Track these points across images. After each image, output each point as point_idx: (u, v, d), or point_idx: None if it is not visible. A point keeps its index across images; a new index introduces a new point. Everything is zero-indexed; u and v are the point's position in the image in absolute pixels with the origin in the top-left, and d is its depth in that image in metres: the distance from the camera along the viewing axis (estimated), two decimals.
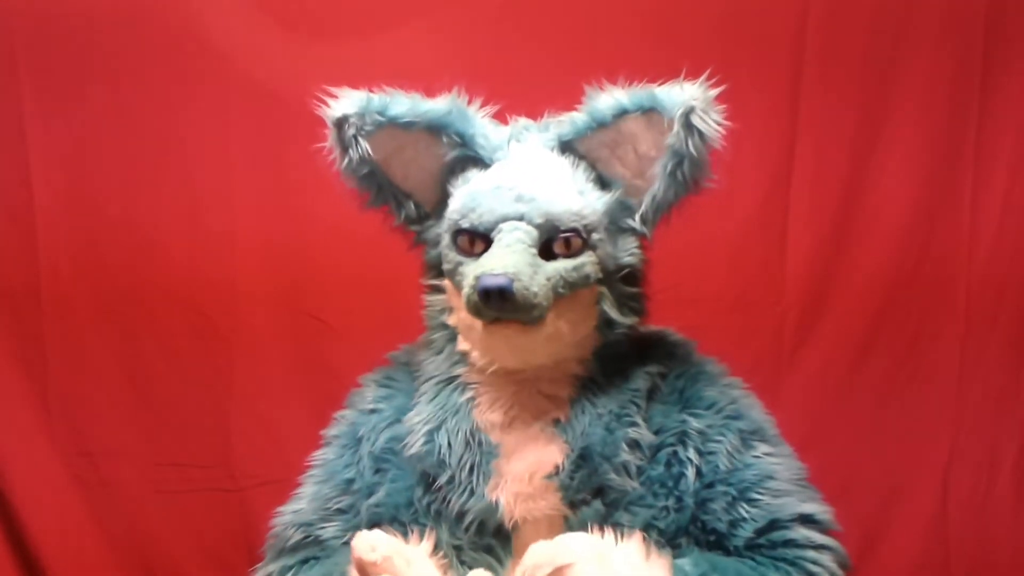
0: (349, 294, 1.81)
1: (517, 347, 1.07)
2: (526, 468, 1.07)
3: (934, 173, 1.77)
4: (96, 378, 1.82)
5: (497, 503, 1.07)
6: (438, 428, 1.10)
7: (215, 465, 1.84)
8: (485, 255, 1.05)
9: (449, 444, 1.09)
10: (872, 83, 1.76)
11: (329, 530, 1.16)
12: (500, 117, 1.19)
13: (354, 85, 1.12)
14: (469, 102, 1.15)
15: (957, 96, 1.75)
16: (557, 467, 1.07)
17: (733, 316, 1.79)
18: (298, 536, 1.17)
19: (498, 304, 1.01)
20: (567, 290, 1.06)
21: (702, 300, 1.74)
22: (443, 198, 1.14)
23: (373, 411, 1.20)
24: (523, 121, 1.18)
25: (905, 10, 1.74)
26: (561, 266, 1.06)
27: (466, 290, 1.04)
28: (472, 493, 1.07)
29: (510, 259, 1.02)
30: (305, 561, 1.15)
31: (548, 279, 1.04)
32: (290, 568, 1.15)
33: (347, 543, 1.09)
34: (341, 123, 1.09)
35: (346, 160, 1.11)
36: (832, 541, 1.11)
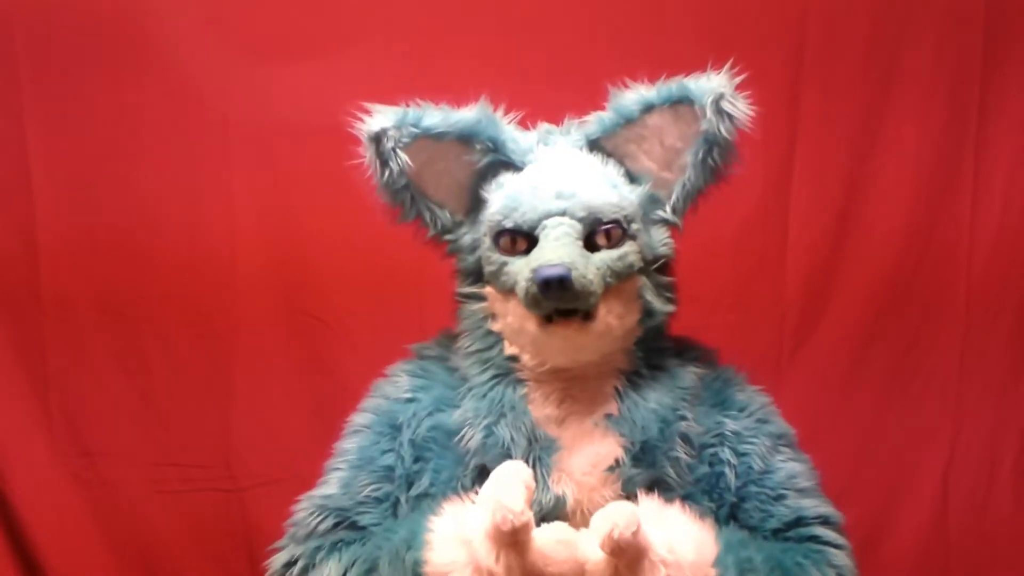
0: (349, 294, 1.81)
1: (572, 345, 1.10)
2: (588, 461, 1.10)
3: (934, 173, 1.77)
4: (96, 378, 1.82)
5: (564, 496, 1.09)
6: (496, 422, 1.11)
7: (215, 465, 1.83)
8: (535, 250, 1.08)
9: (512, 438, 1.10)
10: (872, 83, 1.76)
11: (367, 517, 1.15)
12: (521, 124, 1.21)
13: (372, 98, 1.14)
14: (495, 109, 1.17)
15: (957, 96, 1.75)
16: (618, 460, 1.09)
17: (733, 316, 1.79)
18: (330, 521, 1.15)
19: (557, 293, 1.04)
20: (614, 280, 1.09)
21: (702, 300, 1.74)
22: (474, 205, 1.17)
23: (411, 400, 1.20)
24: (546, 126, 1.21)
25: (905, 10, 1.74)
26: (607, 256, 1.09)
27: (523, 284, 1.06)
28: (537, 486, 1.08)
29: (563, 250, 1.05)
30: (337, 543, 1.13)
31: (597, 269, 1.07)
32: (321, 548, 1.13)
33: (384, 527, 1.11)
34: (379, 137, 1.11)
35: (386, 174, 1.12)
36: (847, 542, 1.15)
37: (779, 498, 1.14)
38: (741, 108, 1.09)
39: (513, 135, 1.17)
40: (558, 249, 1.05)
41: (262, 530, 1.77)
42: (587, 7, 1.77)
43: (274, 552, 1.17)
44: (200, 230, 1.81)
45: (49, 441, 1.81)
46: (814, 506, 1.15)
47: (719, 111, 1.08)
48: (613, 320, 1.10)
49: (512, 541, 0.97)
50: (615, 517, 0.96)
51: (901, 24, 1.74)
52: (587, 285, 1.04)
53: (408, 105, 1.13)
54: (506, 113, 1.18)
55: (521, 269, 1.08)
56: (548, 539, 0.99)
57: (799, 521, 1.13)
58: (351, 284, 1.80)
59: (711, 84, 1.09)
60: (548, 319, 1.08)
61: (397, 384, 1.22)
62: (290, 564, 1.14)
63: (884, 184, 1.78)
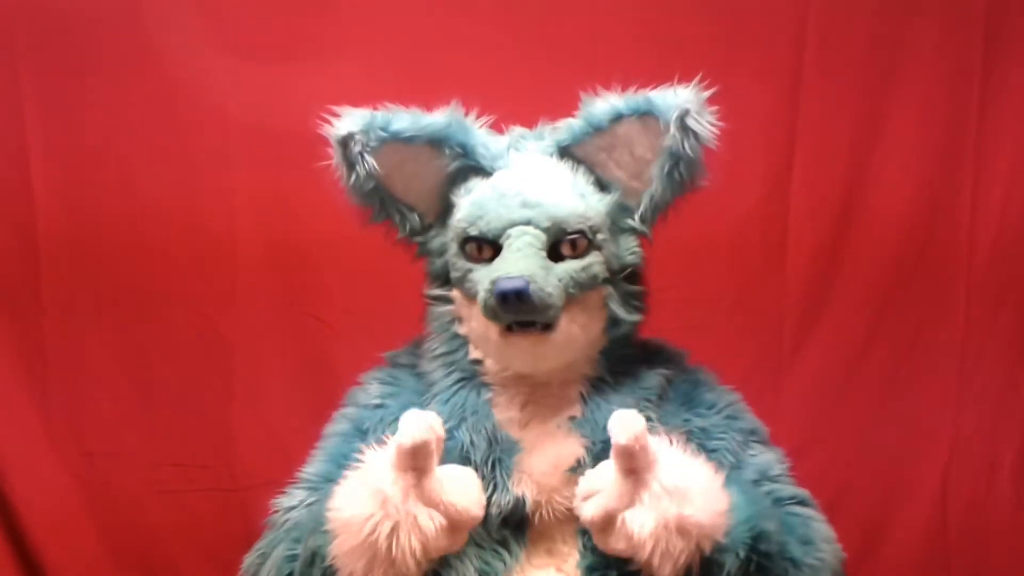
0: (349, 294, 1.81)
1: (533, 354, 1.10)
2: (549, 462, 1.10)
3: (934, 172, 1.77)
4: (96, 378, 1.82)
5: (524, 497, 1.09)
6: (458, 425, 1.11)
7: (215, 465, 1.83)
8: (497, 260, 1.07)
9: (472, 441, 1.10)
10: (872, 82, 1.76)
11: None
12: (495, 127, 1.20)
13: (348, 103, 1.13)
14: (466, 114, 1.17)
15: (957, 96, 1.75)
16: (579, 460, 1.09)
17: (733, 316, 1.79)
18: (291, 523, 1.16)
19: (515, 306, 1.03)
20: (577, 291, 1.08)
21: (702, 300, 1.74)
22: (445, 208, 1.17)
23: (379, 406, 1.20)
24: (519, 130, 1.20)
25: (905, 8, 1.74)
26: (570, 267, 1.08)
27: (482, 295, 1.06)
28: (496, 488, 1.08)
29: (523, 263, 1.04)
30: (292, 531, 1.14)
31: (559, 280, 1.07)
32: (278, 539, 1.14)
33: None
34: (346, 141, 1.10)
35: (353, 177, 1.12)
36: (823, 515, 1.16)
37: (753, 486, 1.13)
38: (706, 125, 1.07)
39: (484, 140, 1.16)
40: (519, 261, 1.05)
41: (262, 530, 1.77)
42: (587, 6, 1.77)
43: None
44: (200, 230, 1.80)
45: (49, 441, 1.81)
46: (787, 489, 1.15)
47: (683, 127, 1.06)
48: (576, 330, 1.10)
49: (413, 465, 0.95)
50: (621, 420, 0.96)
51: (901, 22, 1.74)
52: (545, 299, 1.04)
53: (376, 108, 1.12)
54: (479, 117, 1.18)
55: (482, 279, 1.07)
56: (452, 471, 1.00)
57: (775, 503, 1.13)
58: (351, 284, 1.80)
59: (676, 99, 1.07)
60: (508, 328, 1.08)
61: (367, 391, 1.24)
62: (255, 559, 1.17)
63: (884, 184, 1.78)
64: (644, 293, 1.18)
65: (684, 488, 0.97)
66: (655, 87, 1.10)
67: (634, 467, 0.96)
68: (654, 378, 1.16)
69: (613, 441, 0.96)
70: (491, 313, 1.06)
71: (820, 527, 1.13)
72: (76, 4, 1.75)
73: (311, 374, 1.82)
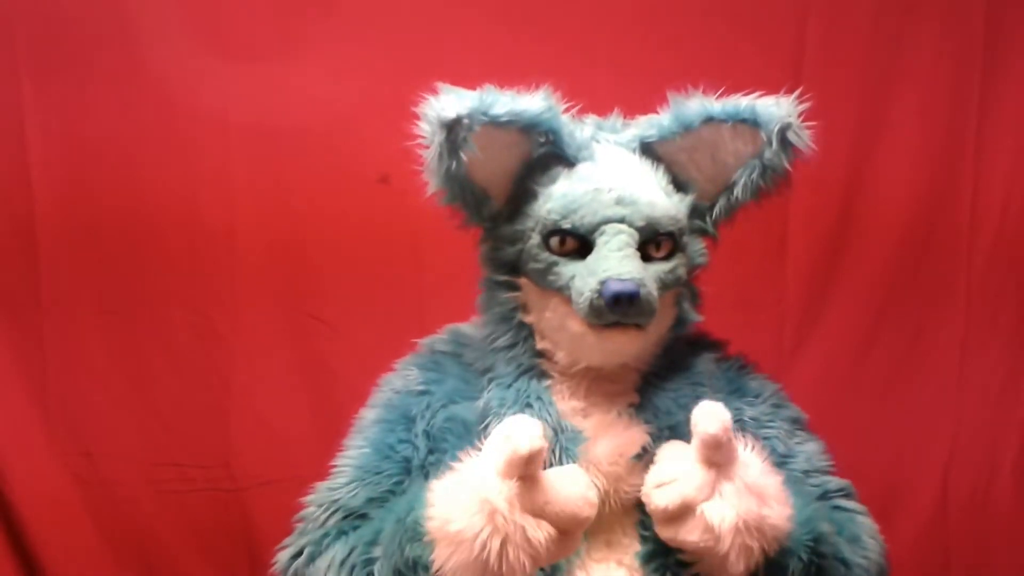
0: (349, 294, 1.81)
1: (620, 352, 1.10)
2: (614, 450, 1.08)
3: (934, 172, 1.78)
4: (96, 378, 1.82)
5: (592, 485, 1.06)
6: (523, 412, 1.09)
7: (215, 465, 1.83)
8: (595, 258, 1.05)
9: None
10: (872, 82, 1.76)
11: (379, 510, 1.11)
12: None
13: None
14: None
15: (957, 95, 1.76)
16: (644, 447, 1.08)
17: (733, 315, 1.78)
18: (340, 515, 1.11)
19: (625, 308, 1.02)
20: (663, 292, 1.08)
21: (702, 300, 1.74)
22: (519, 195, 1.13)
23: (424, 392, 1.17)
24: (595, 119, 1.19)
25: (905, 7, 1.74)
26: (660, 268, 1.08)
27: (587, 294, 1.03)
28: None
29: (632, 264, 1.03)
30: (344, 529, 1.10)
31: (653, 282, 1.06)
32: (327, 536, 1.09)
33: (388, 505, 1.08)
34: (454, 125, 1.03)
35: (453, 163, 1.05)
36: (865, 508, 1.18)
37: (805, 477, 1.15)
38: (804, 139, 1.08)
39: (571, 129, 1.13)
40: (625, 263, 1.03)
41: (262, 530, 1.78)
42: (586, 6, 1.77)
43: (282, 550, 1.14)
44: (199, 229, 1.80)
45: (49, 441, 1.81)
46: (835, 481, 1.17)
47: (783, 140, 1.07)
48: (658, 328, 1.11)
49: (522, 473, 0.92)
50: (705, 413, 0.95)
51: (901, 24, 1.74)
52: (653, 303, 1.03)
53: (479, 90, 1.06)
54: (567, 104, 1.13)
55: (582, 275, 1.05)
56: (558, 473, 0.97)
57: (824, 495, 1.14)
58: (351, 284, 1.80)
59: (780, 111, 1.07)
60: (605, 326, 1.06)
61: (408, 378, 1.20)
62: (296, 556, 1.11)
63: (884, 183, 1.78)
64: (700, 293, 1.20)
65: (763, 487, 0.97)
66: (745, 93, 1.09)
67: (719, 459, 0.96)
68: (703, 364, 1.17)
69: (700, 430, 0.95)
70: (595, 313, 1.03)
71: (865, 521, 1.14)
72: (75, 3, 1.75)
73: (310, 374, 1.82)
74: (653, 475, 1.01)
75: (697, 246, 1.16)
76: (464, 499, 0.94)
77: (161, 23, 1.76)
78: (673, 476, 0.99)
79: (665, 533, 1.00)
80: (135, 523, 1.83)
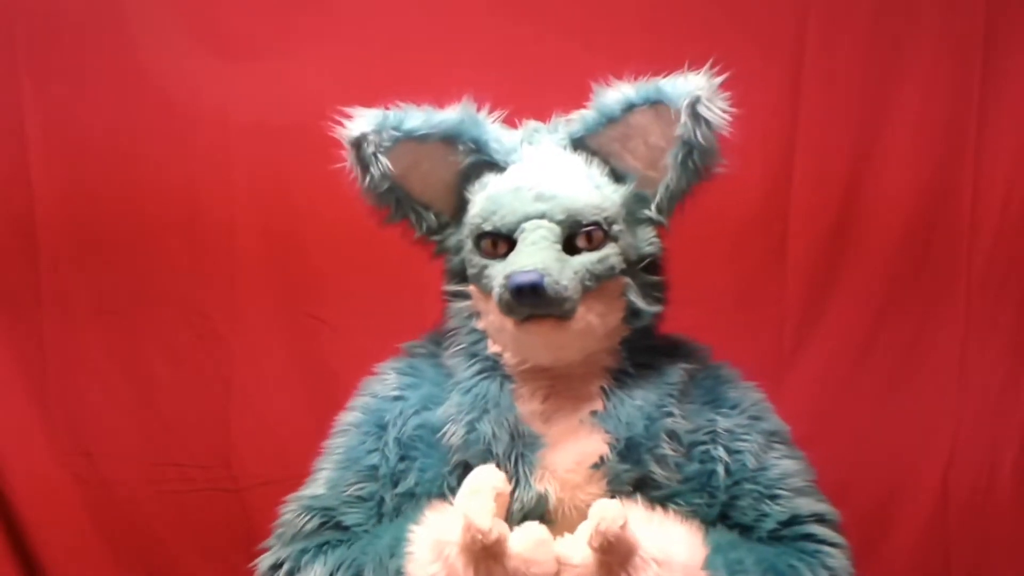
0: (349, 294, 1.81)
1: (550, 343, 1.09)
2: (572, 458, 1.09)
3: (934, 171, 1.77)
4: (96, 378, 1.82)
5: (546, 493, 1.08)
6: (480, 418, 1.10)
7: (215, 465, 1.84)
8: (512, 254, 1.07)
9: (494, 434, 1.09)
10: (872, 82, 1.76)
11: (351, 516, 1.15)
12: (508, 121, 1.20)
13: (348, 99, 1.13)
14: (478, 109, 1.16)
15: (957, 95, 1.75)
16: (603, 457, 1.08)
17: (733, 316, 1.79)
18: (316, 521, 1.15)
19: (530, 300, 1.03)
20: (594, 283, 1.08)
21: (702, 300, 1.74)
22: (461, 205, 1.17)
23: (398, 398, 1.19)
24: (532, 123, 1.20)
25: (905, 7, 1.74)
26: (586, 259, 1.08)
27: (497, 289, 1.06)
28: (519, 483, 1.07)
29: (538, 256, 1.04)
30: (323, 545, 1.13)
31: (575, 273, 1.06)
32: (307, 551, 1.12)
33: (368, 531, 1.12)
34: (360, 142, 1.10)
35: (367, 178, 1.12)
36: (844, 540, 1.14)
37: (773, 496, 1.12)
38: (718, 111, 1.05)
39: (497, 135, 1.16)
40: (533, 254, 1.04)
41: (262, 530, 1.76)
42: (586, 6, 1.77)
43: (263, 552, 1.17)
44: (200, 229, 1.81)
45: (49, 441, 1.81)
46: (809, 504, 1.14)
47: (694, 114, 1.05)
48: (593, 319, 1.09)
49: (486, 555, 0.96)
50: (602, 512, 0.96)
51: (901, 24, 1.74)
52: (560, 292, 1.03)
53: (388, 107, 1.11)
54: (491, 111, 1.17)
55: (497, 274, 1.07)
56: (526, 543, 0.98)
57: (794, 519, 1.12)
58: (351, 284, 1.80)
59: (687, 86, 1.06)
60: (524, 320, 1.07)
61: (386, 382, 1.22)
62: (276, 566, 1.14)
63: (884, 183, 1.77)
64: (664, 284, 1.18)
65: (665, 561, 0.98)
66: (665, 75, 1.08)
67: (616, 556, 0.97)
68: (677, 372, 1.15)
69: (591, 532, 0.96)
70: (506, 307, 1.06)
71: (831, 559, 1.11)
72: (75, 3, 1.75)
73: (310, 373, 1.82)
74: (557, 549, 1.00)
75: (646, 235, 1.14)
76: (438, 571, 1.00)
77: (161, 23, 1.76)
78: (572, 561, 0.99)
79: None
80: (135, 523, 1.83)
